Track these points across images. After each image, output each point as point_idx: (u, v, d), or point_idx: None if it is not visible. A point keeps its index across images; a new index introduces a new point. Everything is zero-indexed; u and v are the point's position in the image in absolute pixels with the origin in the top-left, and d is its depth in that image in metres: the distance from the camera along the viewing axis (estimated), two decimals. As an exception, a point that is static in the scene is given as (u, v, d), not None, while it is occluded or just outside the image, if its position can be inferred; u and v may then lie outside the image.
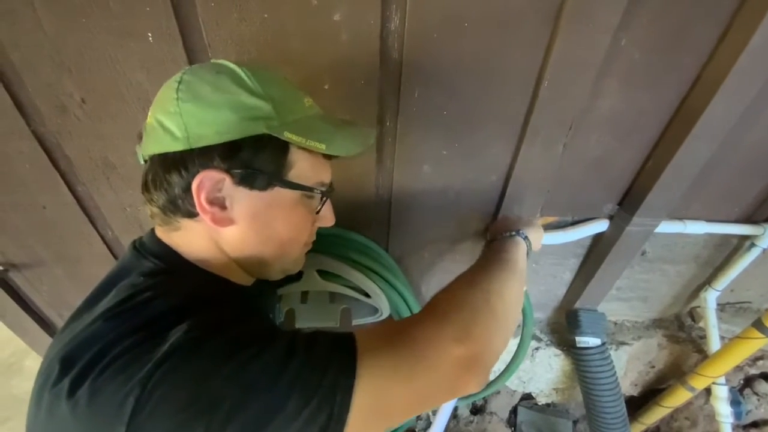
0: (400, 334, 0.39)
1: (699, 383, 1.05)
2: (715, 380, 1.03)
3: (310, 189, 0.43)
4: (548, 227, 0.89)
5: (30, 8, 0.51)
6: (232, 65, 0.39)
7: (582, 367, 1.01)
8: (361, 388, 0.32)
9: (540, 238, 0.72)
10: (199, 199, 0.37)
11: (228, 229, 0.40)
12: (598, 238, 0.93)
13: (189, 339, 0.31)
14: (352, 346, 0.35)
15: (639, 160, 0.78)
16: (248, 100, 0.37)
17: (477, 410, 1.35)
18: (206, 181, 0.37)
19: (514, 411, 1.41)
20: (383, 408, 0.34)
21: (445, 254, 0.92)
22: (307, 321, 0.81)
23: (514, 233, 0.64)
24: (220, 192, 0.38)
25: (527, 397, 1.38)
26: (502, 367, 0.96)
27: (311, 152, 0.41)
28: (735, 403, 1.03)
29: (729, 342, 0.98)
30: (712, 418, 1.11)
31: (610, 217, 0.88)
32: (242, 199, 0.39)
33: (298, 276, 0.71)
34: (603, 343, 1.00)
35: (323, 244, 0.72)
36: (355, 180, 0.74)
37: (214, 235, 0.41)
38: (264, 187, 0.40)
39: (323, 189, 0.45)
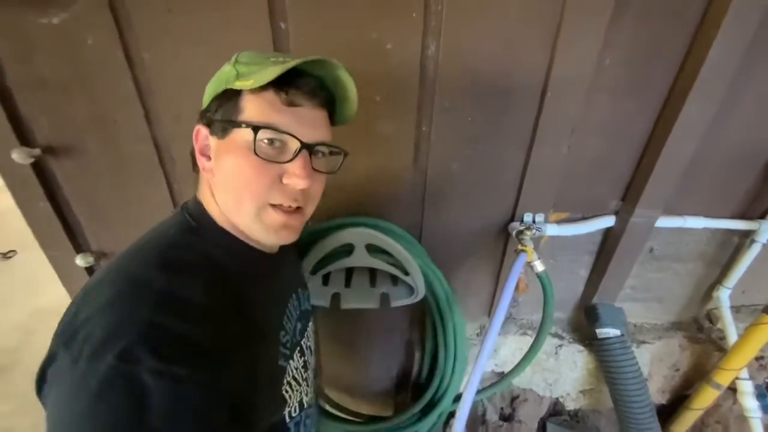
0: None
1: (723, 378, 1.08)
2: (739, 374, 1.06)
3: (241, 124, 0.43)
4: (561, 222, 1.01)
5: (170, 39, 0.71)
6: None
7: (605, 358, 1.06)
8: None
9: None
10: (196, 149, 0.48)
11: (214, 179, 0.47)
12: (607, 234, 1.04)
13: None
14: None
15: (635, 158, 0.93)
16: (225, 68, 0.46)
17: (506, 417, 1.36)
18: (197, 135, 0.47)
19: (543, 427, 1.40)
20: None
21: (471, 249, 1.03)
22: (350, 303, 0.91)
23: None
24: (209, 146, 0.47)
25: (556, 408, 1.38)
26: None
27: (260, 96, 0.43)
28: (761, 396, 1.05)
29: (744, 332, 1.03)
30: (742, 419, 1.11)
31: (616, 213, 1.00)
32: (215, 148, 0.46)
33: (349, 251, 0.83)
34: (622, 334, 1.06)
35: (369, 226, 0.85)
36: (393, 175, 0.89)
37: (212, 188, 0.47)
38: (221, 133, 0.45)
39: (264, 125, 0.42)
